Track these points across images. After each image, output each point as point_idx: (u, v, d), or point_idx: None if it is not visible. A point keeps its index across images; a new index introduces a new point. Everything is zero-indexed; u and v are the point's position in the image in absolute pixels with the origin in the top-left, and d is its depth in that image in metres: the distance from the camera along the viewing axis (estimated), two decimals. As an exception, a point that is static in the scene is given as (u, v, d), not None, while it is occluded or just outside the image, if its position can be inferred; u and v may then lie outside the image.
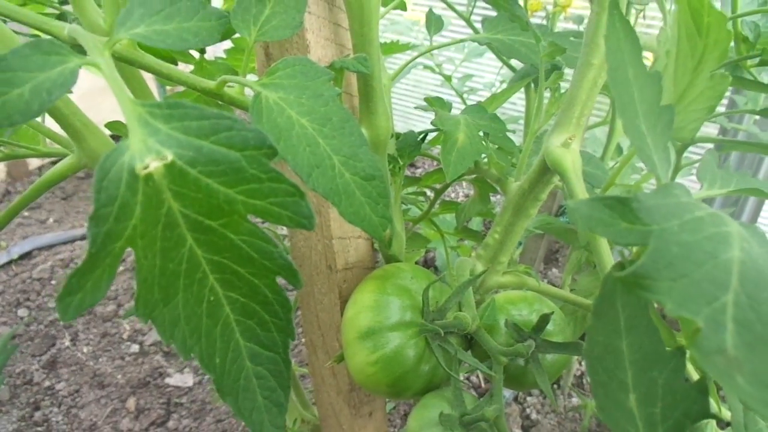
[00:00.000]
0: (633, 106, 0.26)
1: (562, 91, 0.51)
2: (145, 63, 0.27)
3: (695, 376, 0.31)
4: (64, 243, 1.74)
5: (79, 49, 0.23)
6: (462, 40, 0.52)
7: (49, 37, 0.21)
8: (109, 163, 0.18)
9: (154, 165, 0.19)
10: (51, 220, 1.87)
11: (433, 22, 0.53)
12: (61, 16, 0.47)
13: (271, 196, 0.21)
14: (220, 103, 0.32)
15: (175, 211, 0.20)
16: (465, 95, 1.34)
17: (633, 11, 1.04)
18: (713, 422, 0.48)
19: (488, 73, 2.09)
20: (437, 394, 0.41)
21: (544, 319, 0.40)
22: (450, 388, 0.40)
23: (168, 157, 0.19)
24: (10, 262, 1.63)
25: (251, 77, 0.31)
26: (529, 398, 1.40)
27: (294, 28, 0.30)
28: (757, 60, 0.60)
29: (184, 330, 0.23)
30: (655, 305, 0.26)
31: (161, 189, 0.19)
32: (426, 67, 1.28)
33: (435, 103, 0.46)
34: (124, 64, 0.28)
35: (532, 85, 0.58)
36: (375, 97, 0.37)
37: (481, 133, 0.45)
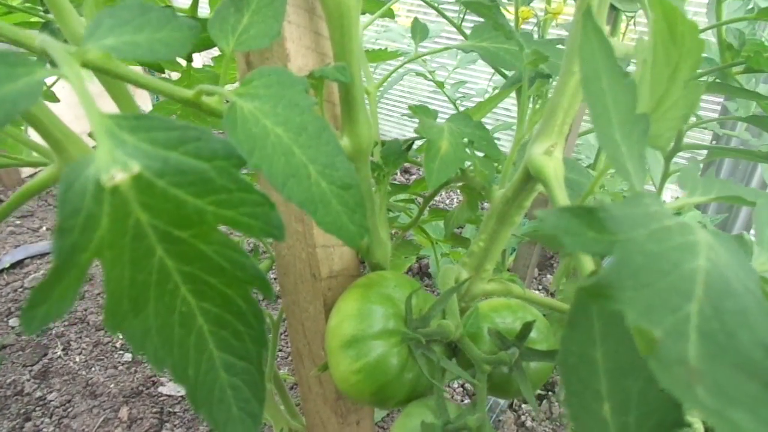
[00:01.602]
0: (607, 115, 0.26)
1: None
2: (120, 72, 0.27)
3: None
4: (57, 251, 1.73)
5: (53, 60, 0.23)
6: (448, 48, 0.52)
7: (18, 49, 0.21)
8: (73, 176, 0.18)
9: (120, 176, 0.19)
10: (43, 228, 1.87)
11: (419, 31, 0.53)
12: (46, 25, 0.47)
13: (240, 206, 0.21)
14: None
15: (143, 222, 0.20)
16: (458, 101, 1.34)
17: (624, 17, 1.04)
18: (701, 427, 0.48)
19: (481, 79, 2.11)
20: (421, 403, 0.41)
21: (527, 327, 0.39)
22: (433, 397, 0.40)
23: (134, 168, 0.19)
24: (1, 271, 1.62)
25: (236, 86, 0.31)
26: (524, 405, 1.40)
27: (272, 37, 0.30)
28: (742, 67, 0.60)
29: (156, 341, 0.22)
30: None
31: (128, 200, 0.19)
32: (418, 74, 1.28)
33: (419, 111, 0.46)
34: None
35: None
36: (356, 106, 0.37)
37: (465, 141, 0.45)
